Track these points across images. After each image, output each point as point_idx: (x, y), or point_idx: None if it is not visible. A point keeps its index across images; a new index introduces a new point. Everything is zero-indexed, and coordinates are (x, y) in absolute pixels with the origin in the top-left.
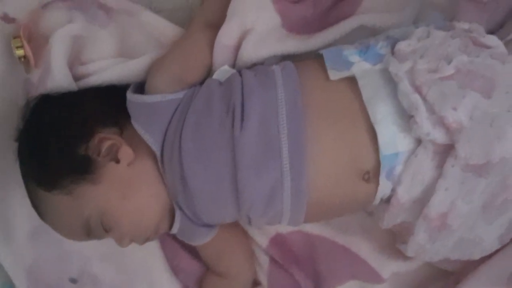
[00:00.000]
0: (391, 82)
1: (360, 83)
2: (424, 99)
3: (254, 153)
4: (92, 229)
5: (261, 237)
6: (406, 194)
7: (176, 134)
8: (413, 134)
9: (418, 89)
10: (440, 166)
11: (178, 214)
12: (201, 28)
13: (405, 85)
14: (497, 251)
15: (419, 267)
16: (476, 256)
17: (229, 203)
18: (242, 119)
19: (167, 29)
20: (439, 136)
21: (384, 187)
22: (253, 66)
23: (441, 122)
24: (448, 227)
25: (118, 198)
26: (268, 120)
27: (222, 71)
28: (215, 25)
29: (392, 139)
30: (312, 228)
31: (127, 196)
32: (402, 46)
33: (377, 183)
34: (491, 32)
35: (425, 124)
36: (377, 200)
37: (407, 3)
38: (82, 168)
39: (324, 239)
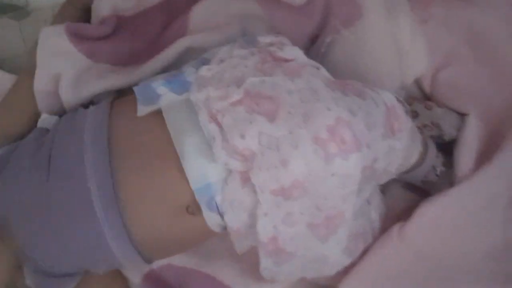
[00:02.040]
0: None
1: (166, 116)
2: (221, 127)
3: (65, 205)
4: None
5: (135, 275)
6: (234, 222)
7: None
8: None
9: (214, 118)
10: (255, 191)
11: (26, 269)
12: (26, 77)
13: (203, 115)
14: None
15: (290, 285)
16: (330, 272)
17: (64, 257)
18: (48, 172)
19: (3, 79)
20: (236, 164)
21: (211, 218)
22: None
23: (235, 150)
24: (282, 251)
25: None
26: (75, 169)
27: (43, 120)
28: None
29: (202, 171)
30: (179, 260)
31: None
32: (203, 71)
33: (202, 215)
34: (315, 36)
35: (221, 154)
36: (217, 229)
37: (234, 19)
38: None
39: (190, 270)
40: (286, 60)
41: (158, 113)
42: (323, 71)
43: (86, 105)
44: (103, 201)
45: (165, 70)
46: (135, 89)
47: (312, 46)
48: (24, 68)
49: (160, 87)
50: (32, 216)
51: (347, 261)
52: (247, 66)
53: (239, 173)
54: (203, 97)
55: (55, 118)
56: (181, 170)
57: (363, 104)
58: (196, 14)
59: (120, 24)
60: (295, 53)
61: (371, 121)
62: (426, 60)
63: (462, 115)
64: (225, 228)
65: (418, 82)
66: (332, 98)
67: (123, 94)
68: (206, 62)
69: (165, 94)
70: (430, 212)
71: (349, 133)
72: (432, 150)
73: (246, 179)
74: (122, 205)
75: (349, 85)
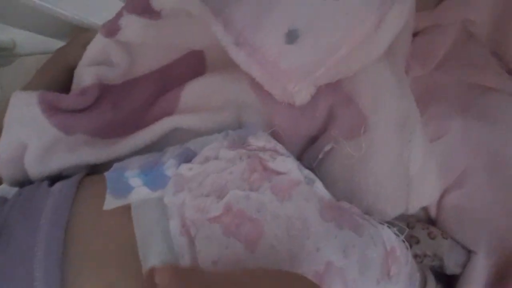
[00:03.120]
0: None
1: (135, 215)
2: (192, 243)
3: None
4: None
5: None
6: None
7: None
8: None
9: (187, 230)
10: None
11: None
12: None
13: (174, 224)
14: None
15: None
16: None
17: None
18: None
19: None
20: None
21: None
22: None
23: None
24: None
25: None
26: (22, 265)
27: (2, 189)
28: None
29: None
30: None
31: None
32: (182, 169)
33: None
34: (315, 137)
35: None
36: None
37: (228, 104)
38: None
39: None
40: (278, 173)
41: (128, 207)
42: (319, 185)
43: (53, 177)
44: None
45: (147, 148)
46: (106, 176)
47: (311, 146)
48: None
49: (135, 177)
50: None
51: None
52: (232, 173)
53: None
54: (178, 202)
55: (14, 189)
56: (141, 281)
57: (359, 242)
58: (189, 92)
59: (104, 93)
60: (288, 166)
61: (366, 263)
62: (437, 188)
63: (469, 251)
64: None
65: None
66: (324, 232)
67: (96, 168)
68: (190, 153)
69: (138, 188)
70: None
71: (340, 284)
72: (431, 286)
73: None
74: None
75: (346, 214)
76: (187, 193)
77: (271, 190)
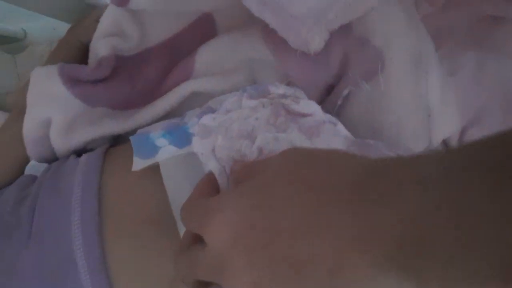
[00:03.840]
0: (201, 167)
1: (164, 173)
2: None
3: (47, 275)
4: None
5: None
6: None
7: None
8: None
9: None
10: None
11: None
12: (16, 118)
13: (214, 165)
14: None
15: None
16: None
17: None
18: (30, 233)
19: None
20: None
21: None
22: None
23: None
24: None
25: None
26: (59, 234)
27: (31, 167)
28: None
29: None
30: None
31: None
32: (206, 120)
33: None
34: (331, 87)
35: None
36: None
37: (241, 64)
38: None
39: None
40: (303, 115)
41: (157, 168)
42: (341, 127)
43: (79, 151)
44: (91, 275)
45: (167, 115)
46: (131, 139)
47: (328, 96)
48: (14, 108)
49: (160, 138)
50: (8, 281)
51: None
52: (258, 118)
53: None
54: (209, 147)
55: (43, 165)
56: (177, 238)
57: None
58: (202, 56)
59: (120, 65)
60: (312, 108)
61: None
62: (458, 118)
63: None
64: None
65: (444, 141)
66: None
67: (120, 139)
68: (211, 111)
69: (165, 147)
70: None
71: None
72: None
73: None
74: (113, 280)
75: (372, 149)
76: (216, 137)
77: (299, 130)
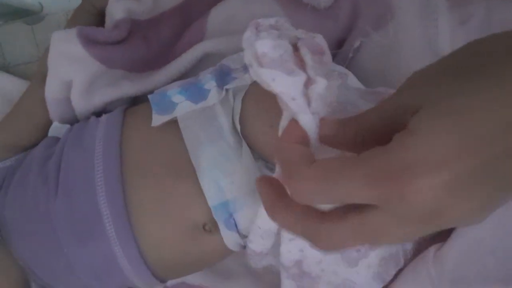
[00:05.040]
0: (216, 120)
1: (182, 126)
2: None
3: (74, 223)
4: None
5: None
6: (258, 246)
7: (2, 209)
8: None
9: None
10: None
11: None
12: (38, 83)
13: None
14: None
15: None
16: None
17: (70, 277)
18: (57, 186)
19: (16, 85)
20: None
21: (229, 237)
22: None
23: None
24: (307, 275)
25: None
26: (84, 185)
27: (54, 128)
28: None
29: (220, 187)
30: (195, 279)
31: None
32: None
33: (220, 234)
34: (342, 40)
35: None
36: (235, 248)
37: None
38: None
39: None
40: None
41: (174, 123)
42: (353, 78)
43: (98, 113)
44: (114, 219)
45: (181, 76)
46: (150, 97)
47: (339, 50)
48: (35, 74)
49: (176, 95)
50: (38, 233)
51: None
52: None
53: None
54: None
55: (66, 127)
56: (197, 186)
57: None
58: (214, 17)
59: (135, 29)
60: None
61: None
62: None
63: None
64: (244, 247)
65: None
66: None
67: (137, 101)
68: (225, 69)
69: (182, 103)
70: (470, 233)
71: None
72: None
73: None
74: (134, 224)
75: (383, 96)
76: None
77: None
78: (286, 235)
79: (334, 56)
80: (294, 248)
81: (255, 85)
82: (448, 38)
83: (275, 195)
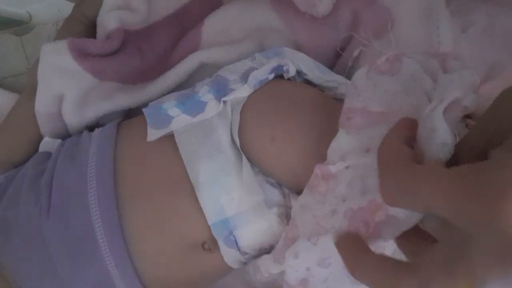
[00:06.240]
0: (214, 134)
1: (179, 140)
2: None
3: (67, 243)
4: None
5: None
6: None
7: None
8: None
9: None
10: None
11: None
12: (28, 96)
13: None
14: None
15: None
16: None
17: None
18: (49, 206)
19: (5, 99)
20: None
21: (229, 254)
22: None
23: None
24: None
25: None
26: (77, 203)
27: (45, 143)
28: None
29: (219, 203)
30: None
31: None
32: None
33: (219, 252)
34: (341, 49)
35: None
36: (235, 265)
37: (249, 32)
38: None
39: None
40: None
41: (170, 136)
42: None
43: (91, 127)
44: (108, 238)
45: (176, 88)
46: (144, 111)
47: (338, 60)
48: (25, 87)
49: (173, 108)
50: (31, 254)
51: None
52: None
53: None
54: None
55: (57, 141)
56: (195, 203)
57: None
58: (209, 27)
59: (128, 39)
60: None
61: None
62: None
63: None
64: (244, 263)
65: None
66: None
67: (132, 114)
68: (221, 80)
69: (178, 116)
70: None
71: None
72: None
73: None
74: (130, 242)
75: None
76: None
77: None
78: (291, 253)
79: (333, 65)
80: (301, 266)
81: (253, 96)
82: (450, 46)
83: (355, 252)
